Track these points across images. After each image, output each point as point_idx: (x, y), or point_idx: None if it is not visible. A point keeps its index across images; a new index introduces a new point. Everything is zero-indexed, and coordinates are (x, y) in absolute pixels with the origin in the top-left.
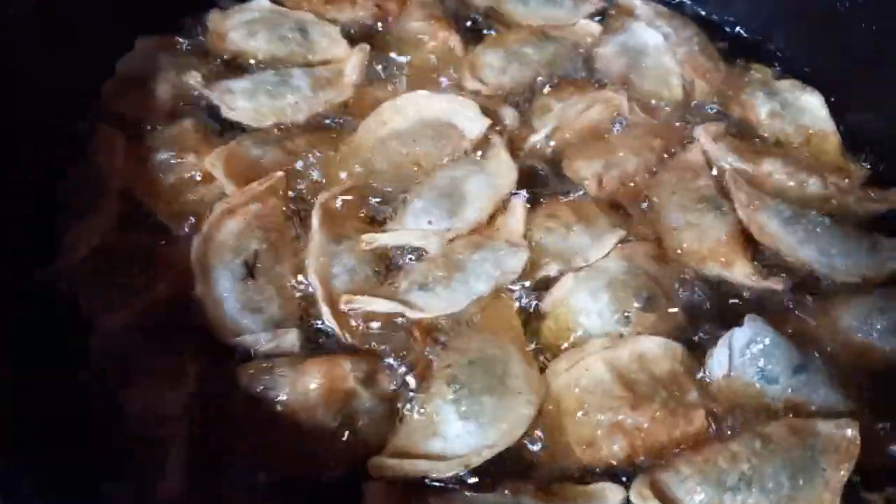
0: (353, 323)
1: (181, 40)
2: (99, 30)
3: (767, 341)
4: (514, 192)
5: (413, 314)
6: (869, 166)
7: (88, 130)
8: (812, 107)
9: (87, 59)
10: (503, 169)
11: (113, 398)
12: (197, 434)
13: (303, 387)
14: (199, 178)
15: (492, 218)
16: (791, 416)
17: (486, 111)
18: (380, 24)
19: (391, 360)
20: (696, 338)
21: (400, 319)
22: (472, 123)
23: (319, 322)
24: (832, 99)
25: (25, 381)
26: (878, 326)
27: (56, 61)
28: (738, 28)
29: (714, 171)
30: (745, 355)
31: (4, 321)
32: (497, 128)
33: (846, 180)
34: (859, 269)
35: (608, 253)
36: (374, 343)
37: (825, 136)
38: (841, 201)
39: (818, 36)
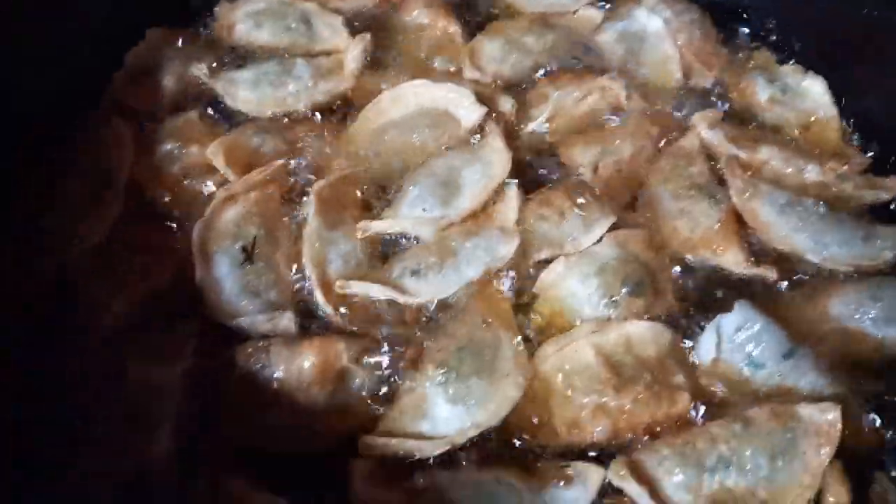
0: (347, 306)
1: (190, 31)
2: (110, 20)
3: (757, 327)
4: (508, 179)
5: (404, 299)
6: (871, 154)
7: (99, 121)
8: (814, 92)
9: (97, 48)
10: (498, 157)
11: (114, 369)
12: (192, 406)
13: (297, 365)
14: (202, 168)
15: (486, 205)
16: (777, 400)
17: (483, 100)
18: (383, 12)
19: (383, 343)
20: (685, 323)
21: (392, 303)
22: (469, 112)
23: (314, 305)
24: (835, 85)
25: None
26: (871, 314)
27: (67, 50)
28: (741, 13)
29: (711, 158)
30: (733, 341)
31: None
32: (494, 116)
33: (845, 167)
34: (853, 257)
35: (600, 239)
36: (366, 326)
37: (827, 122)
38: (839, 189)
39: (822, 20)
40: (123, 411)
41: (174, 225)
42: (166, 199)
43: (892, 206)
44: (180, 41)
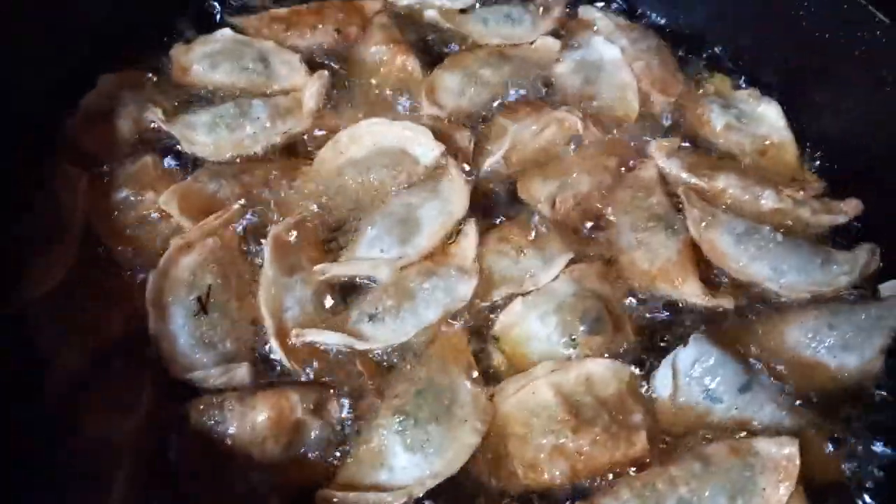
0: (303, 355)
1: (146, 75)
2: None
3: (712, 361)
4: (467, 216)
5: (361, 346)
6: (826, 177)
7: (51, 168)
8: (769, 117)
9: (51, 94)
10: (456, 194)
11: (65, 423)
12: (147, 462)
13: (251, 420)
14: (158, 215)
15: (444, 243)
16: (735, 435)
17: (440, 136)
18: (340, 49)
19: (340, 391)
20: (644, 358)
21: (349, 350)
22: (426, 150)
23: (271, 355)
24: (790, 108)
25: None
26: (827, 342)
27: (20, 96)
28: (697, 38)
29: (668, 188)
30: (689, 375)
31: None
32: (452, 152)
33: (801, 192)
34: (811, 284)
35: (557, 275)
36: (323, 374)
37: (783, 146)
38: (796, 214)
39: (777, 45)
40: (77, 467)
41: (128, 272)
42: (122, 246)
43: (857, 228)
44: (136, 83)
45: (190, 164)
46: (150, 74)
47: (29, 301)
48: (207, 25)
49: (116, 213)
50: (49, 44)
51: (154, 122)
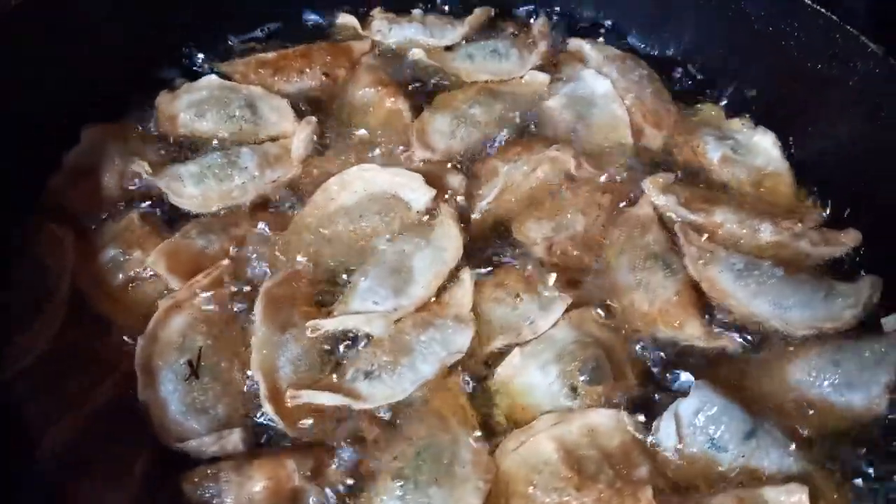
0: (298, 415)
1: (131, 126)
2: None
3: (715, 409)
4: (461, 263)
5: (358, 405)
6: (825, 209)
7: (34, 228)
8: (764, 147)
9: (32, 151)
10: (449, 240)
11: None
12: None
13: (248, 491)
14: (146, 274)
15: (440, 290)
16: (742, 483)
17: (432, 180)
18: (328, 93)
19: (339, 452)
20: (649, 404)
21: (347, 409)
22: (418, 195)
23: (264, 418)
24: (782, 138)
25: None
26: (832, 380)
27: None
28: (687, 66)
29: (665, 225)
30: (693, 425)
31: None
32: (444, 196)
33: (799, 224)
34: (815, 320)
35: (556, 322)
36: (320, 435)
37: (778, 176)
38: (795, 246)
39: (768, 74)
40: None
41: (117, 336)
42: (110, 309)
43: (857, 259)
44: (121, 135)
45: (178, 217)
46: (136, 125)
47: (13, 374)
48: (193, 72)
49: (103, 273)
50: (29, 97)
51: (140, 175)
